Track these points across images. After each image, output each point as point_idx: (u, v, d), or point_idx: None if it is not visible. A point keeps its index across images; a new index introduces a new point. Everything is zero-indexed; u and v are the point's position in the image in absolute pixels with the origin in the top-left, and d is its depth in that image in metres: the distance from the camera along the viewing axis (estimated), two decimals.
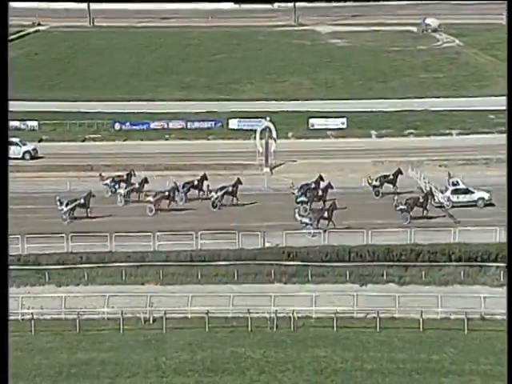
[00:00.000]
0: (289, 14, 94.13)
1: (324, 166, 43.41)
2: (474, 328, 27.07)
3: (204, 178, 37.91)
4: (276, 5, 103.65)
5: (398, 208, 35.09)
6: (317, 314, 27.75)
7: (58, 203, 35.11)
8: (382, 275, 30.68)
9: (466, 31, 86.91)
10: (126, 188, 37.42)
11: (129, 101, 57.36)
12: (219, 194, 36.66)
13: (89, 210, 35.48)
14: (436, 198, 36.58)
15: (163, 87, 63.22)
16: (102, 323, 27.39)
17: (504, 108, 54.95)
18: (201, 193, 37.70)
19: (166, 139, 51.00)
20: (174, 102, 57.30)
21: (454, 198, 36.99)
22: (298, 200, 36.20)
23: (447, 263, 30.95)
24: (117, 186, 37.62)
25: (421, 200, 35.53)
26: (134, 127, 52.67)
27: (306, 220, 33.55)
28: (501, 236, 31.80)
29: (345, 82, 65.96)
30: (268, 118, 45.63)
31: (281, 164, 44.72)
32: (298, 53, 76.58)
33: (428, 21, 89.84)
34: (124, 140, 50.67)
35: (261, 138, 44.77)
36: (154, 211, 35.74)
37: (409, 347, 25.90)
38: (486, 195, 37.36)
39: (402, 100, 58.93)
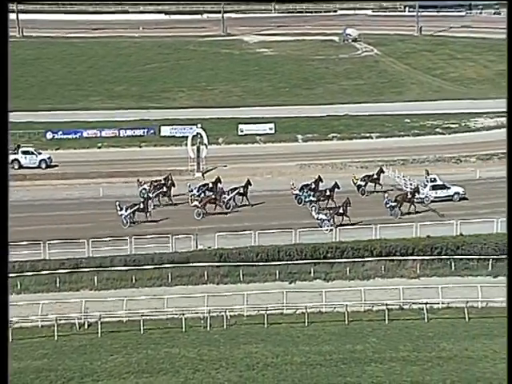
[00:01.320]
0: (218, 24, 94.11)
1: (254, 170, 43.68)
2: (393, 318, 27.75)
3: (218, 180, 38.07)
4: (205, 15, 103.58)
5: (388, 205, 35.67)
6: (248, 311, 27.80)
7: (118, 208, 34.81)
8: (310, 272, 31.06)
9: (383, 41, 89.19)
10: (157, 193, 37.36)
11: (60, 110, 55.95)
12: (232, 195, 36.78)
13: (148, 213, 35.12)
14: (421, 193, 37.22)
15: (95, 96, 62.03)
16: (35, 331, 26.53)
17: (418, 112, 57.34)
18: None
19: (99, 147, 50.01)
20: (106, 111, 56.31)
21: (433, 194, 37.87)
22: (307, 200, 36.61)
23: (369, 258, 31.62)
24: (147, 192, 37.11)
25: (409, 196, 36.31)
26: (67, 136, 51.38)
27: (323, 216, 34.21)
28: (420, 230, 32.72)
29: (272, 89, 66.50)
30: (199, 125, 45.48)
31: (212, 169, 44.63)
32: (227, 62, 76.72)
33: (348, 31, 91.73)
34: (56, 149, 49.38)
35: (192, 145, 44.59)
36: (201, 215, 35.89)
37: (335, 339, 26.28)
38: (460, 190, 38.37)
39: (326, 106, 59.90)
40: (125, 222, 34.99)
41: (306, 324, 27.40)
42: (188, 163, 44.16)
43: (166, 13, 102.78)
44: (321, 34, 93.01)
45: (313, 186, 37.90)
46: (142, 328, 26.60)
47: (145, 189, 37.72)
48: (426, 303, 28.30)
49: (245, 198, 37.52)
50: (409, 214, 35.97)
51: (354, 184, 38.88)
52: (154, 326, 26.86)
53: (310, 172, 42.33)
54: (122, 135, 51.47)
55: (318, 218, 34.38)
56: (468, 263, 31.45)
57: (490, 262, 31.20)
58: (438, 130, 53.30)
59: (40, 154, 45.94)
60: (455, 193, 38.30)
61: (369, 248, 31.94)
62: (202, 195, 37.29)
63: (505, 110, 56.20)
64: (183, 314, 26.87)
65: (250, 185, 37.89)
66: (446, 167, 42.31)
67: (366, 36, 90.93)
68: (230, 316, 27.31)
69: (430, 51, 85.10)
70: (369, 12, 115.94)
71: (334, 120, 55.98)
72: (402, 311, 28.27)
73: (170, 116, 55.06)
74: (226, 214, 36.65)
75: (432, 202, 37.67)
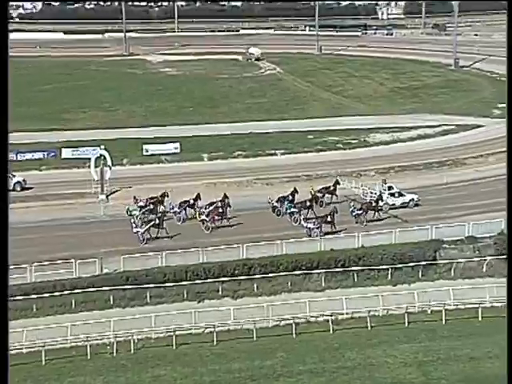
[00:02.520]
0: (120, 43, 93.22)
1: (160, 191, 43.31)
2: (301, 331, 28.34)
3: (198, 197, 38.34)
4: (107, 35, 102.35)
5: (354, 213, 36.90)
6: (156, 334, 27.52)
7: (134, 225, 34.74)
8: (218, 291, 31.17)
9: (285, 60, 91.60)
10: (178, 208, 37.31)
11: None
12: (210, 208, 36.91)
13: (163, 230, 34.89)
14: (385, 201, 38.80)
15: None
16: None
17: (320, 129, 59.19)
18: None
19: None
20: None
21: (391, 201, 39.52)
22: (289, 211, 37.41)
23: (276, 274, 32.13)
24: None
25: (373, 204, 37.83)
26: None
27: (311, 225, 35.29)
28: (322, 244, 33.65)
29: (177, 109, 66.48)
30: (102, 146, 44.64)
31: (117, 191, 43.92)
32: (130, 82, 76.01)
33: (252, 50, 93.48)
34: None
35: (96, 166, 43.69)
36: (210, 228, 36.20)
37: (244, 356, 26.49)
38: (415, 197, 40.22)
39: (230, 124, 60.60)
40: (141, 238, 34.63)
41: (215, 343, 27.46)
42: (91, 185, 43.27)
43: (65, 32, 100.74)
44: (224, 53, 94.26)
45: (290, 197, 38.71)
46: (43, 359, 25.67)
47: (128, 209, 37.55)
48: (331, 315, 29.12)
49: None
50: (373, 221, 37.22)
51: (312, 195, 39.48)
52: (57, 355, 26.01)
53: (217, 190, 42.60)
54: (19, 159, 49.53)
55: (306, 227, 35.41)
56: (369, 274, 32.64)
57: (390, 271, 32.56)
58: (339, 145, 55.17)
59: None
60: (410, 199, 40.17)
61: (275, 263, 32.48)
62: (208, 210, 37.21)
63: (399, 125, 60.02)
64: (88, 341, 26.21)
65: (228, 198, 38.11)
66: (349, 181, 43.80)
67: (268, 55, 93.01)
68: (138, 339, 26.93)
69: (330, 69, 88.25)
70: (271, 31, 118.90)
71: (238, 138, 56.66)
72: (309, 324, 28.94)
73: (71, 138, 53.77)
74: (231, 226, 36.67)
75: (390, 208, 39.09)
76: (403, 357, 26.32)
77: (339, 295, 30.48)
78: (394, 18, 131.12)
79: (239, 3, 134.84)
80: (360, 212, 37.36)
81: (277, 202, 38.76)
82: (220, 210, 37.05)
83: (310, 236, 35.22)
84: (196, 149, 53.72)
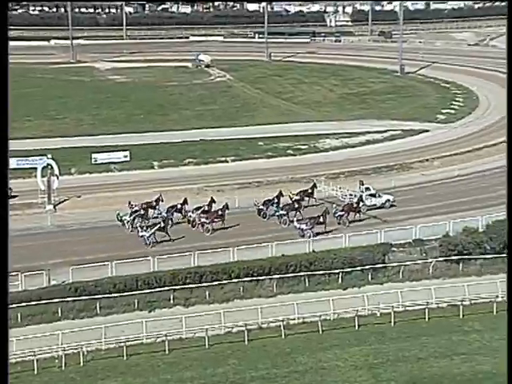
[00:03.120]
0: (67, 51, 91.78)
1: (109, 200, 42.86)
2: (253, 338, 28.44)
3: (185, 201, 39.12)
4: (53, 42, 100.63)
5: (336, 214, 37.83)
6: (106, 345, 27.15)
7: (139, 229, 35.07)
8: (169, 299, 30.98)
9: (235, 67, 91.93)
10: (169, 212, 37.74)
11: None
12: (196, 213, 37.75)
13: (169, 233, 35.55)
14: (366, 202, 40.05)
15: None
16: None
17: (271, 135, 59.64)
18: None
19: None
20: None
21: (368, 202, 40.47)
22: (277, 214, 38.56)
23: (228, 281, 32.16)
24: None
25: (354, 205, 38.77)
26: None
27: (304, 226, 36.16)
28: (274, 250, 33.87)
29: (126, 117, 65.88)
30: (49, 155, 43.85)
31: (65, 200, 43.19)
32: (78, 89, 74.93)
33: (201, 57, 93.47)
34: None
35: (42, 176, 42.86)
36: (210, 231, 37.10)
37: (196, 365, 26.39)
38: (391, 197, 41.47)
39: (181, 131, 60.41)
40: (148, 242, 35.13)
41: (167, 352, 27.28)
42: (38, 195, 42.40)
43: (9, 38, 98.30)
44: (174, 61, 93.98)
45: (275, 200, 39.64)
46: None
47: (119, 214, 37.81)
48: (283, 320, 29.34)
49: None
50: (354, 221, 38.17)
51: (291, 199, 40.07)
52: None
53: (168, 198, 42.39)
54: None
55: (298, 228, 36.27)
56: (320, 278, 33.02)
57: (340, 275, 33.02)
58: (289, 151, 55.67)
59: None
60: (387, 200, 41.26)
61: (227, 271, 32.52)
62: (195, 214, 37.95)
63: (348, 131, 61.01)
64: (35, 356, 25.62)
65: (214, 202, 39.05)
66: (300, 187, 44.25)
67: (218, 62, 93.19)
68: (87, 351, 26.50)
69: (279, 76, 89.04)
70: (221, 38, 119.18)
71: (189, 145, 56.54)
72: (261, 330, 29.07)
73: (16, 147, 52.52)
74: (227, 228, 37.53)
75: (367, 210, 39.97)
76: (354, 360, 26.73)
77: (291, 300, 30.71)
78: (341, 26, 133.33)
79: (188, 10, 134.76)
80: (342, 213, 38.16)
81: (263, 205, 39.68)
82: (220, 213, 37.77)
83: (302, 237, 36.08)
84: (146, 157, 53.32)
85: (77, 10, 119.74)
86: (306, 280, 32.70)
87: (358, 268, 33.30)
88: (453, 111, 69.97)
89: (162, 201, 39.70)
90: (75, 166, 50.33)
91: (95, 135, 57.99)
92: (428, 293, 31.22)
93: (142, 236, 35.32)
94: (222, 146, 56.67)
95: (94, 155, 51.74)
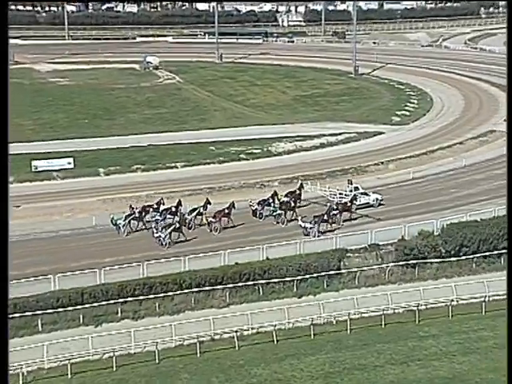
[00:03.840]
0: None
1: (51, 209, 42.11)
2: (205, 350, 28.35)
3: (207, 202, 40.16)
4: None
5: (331, 213, 38.47)
6: (49, 363, 26.63)
7: (154, 230, 35.98)
8: (117, 313, 30.62)
9: (184, 69, 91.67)
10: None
11: None
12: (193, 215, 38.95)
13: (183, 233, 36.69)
14: (359, 201, 41.46)
15: None
16: None
17: (223, 139, 59.72)
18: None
19: None
20: None
21: (357, 201, 41.52)
22: (275, 214, 39.77)
23: (179, 292, 32.00)
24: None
25: (348, 204, 39.98)
26: None
27: (309, 225, 37.17)
28: (227, 258, 33.91)
29: (69, 121, 64.84)
30: None
31: None
32: (16, 93, 72.95)
33: (149, 59, 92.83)
34: None
35: None
36: (218, 230, 38.26)
37: (146, 381, 26.16)
38: (379, 196, 42.84)
39: (128, 136, 59.84)
40: (164, 243, 35.94)
41: (115, 368, 26.92)
42: None
43: None
44: (120, 62, 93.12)
45: (270, 200, 40.91)
46: None
47: (113, 218, 38.28)
48: (237, 331, 29.36)
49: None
50: (347, 220, 39.34)
51: (279, 200, 41.21)
52: None
53: (115, 207, 41.92)
54: None
55: (303, 227, 37.24)
56: (274, 287, 33.19)
57: (295, 283, 33.26)
58: (242, 156, 55.77)
59: None
60: (375, 199, 42.52)
61: (178, 281, 32.35)
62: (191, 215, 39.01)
63: (302, 134, 61.59)
64: None
65: (210, 204, 40.08)
66: (252, 193, 44.41)
67: (167, 63, 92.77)
68: (28, 372, 25.92)
69: (231, 78, 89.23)
70: (169, 39, 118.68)
71: (137, 151, 56.04)
72: (214, 342, 29.03)
73: None
74: (235, 226, 38.91)
75: (356, 208, 41.03)
76: (310, 369, 26.96)
77: (244, 310, 30.77)
78: (294, 26, 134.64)
79: (135, 9, 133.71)
80: (336, 212, 39.06)
81: (258, 204, 40.62)
82: (226, 211, 38.85)
83: (307, 235, 37.06)
84: (91, 163, 52.59)
85: (13, 7, 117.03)
86: (260, 289, 32.81)
87: (314, 275, 33.59)
88: (407, 113, 71.40)
89: (163, 204, 40.41)
90: (14, 174, 49.17)
91: (36, 141, 56.90)
92: (384, 298, 31.75)
93: (157, 237, 36.13)
94: (172, 151, 56.38)
95: (34, 162, 50.69)
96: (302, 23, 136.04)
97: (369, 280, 34.30)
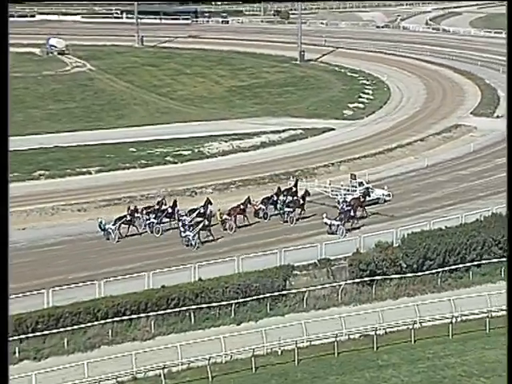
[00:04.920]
0: None
1: None
2: None
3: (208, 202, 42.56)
4: None
5: (344, 210, 40.80)
6: None
7: (182, 229, 38.81)
8: (14, 353, 29.99)
9: (97, 54, 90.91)
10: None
11: None
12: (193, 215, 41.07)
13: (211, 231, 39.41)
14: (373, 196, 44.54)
15: None
16: None
17: (145, 139, 59.47)
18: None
19: None
20: None
21: (370, 196, 44.21)
22: (285, 210, 42.56)
23: (92, 323, 31.63)
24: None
25: (361, 200, 42.52)
26: None
27: (335, 222, 39.85)
28: (151, 280, 33.73)
29: None
30: None
31: None
32: None
33: (53, 42, 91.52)
34: None
35: None
36: (233, 228, 41.01)
37: None
38: (385, 192, 45.82)
39: (28, 136, 58.86)
40: (193, 243, 38.69)
41: None
42: None
43: None
44: (16, 45, 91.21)
45: (275, 198, 43.59)
46: None
47: (101, 222, 39.90)
48: (164, 367, 29.24)
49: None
50: (359, 218, 41.70)
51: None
52: None
53: (13, 221, 41.08)
54: None
55: (330, 224, 39.97)
56: (209, 312, 33.25)
57: (233, 307, 33.40)
58: (168, 158, 55.71)
59: None
60: (382, 194, 45.55)
61: (91, 310, 31.97)
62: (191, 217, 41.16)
63: (239, 132, 62.05)
64: None
65: (211, 204, 42.33)
66: (181, 202, 44.39)
67: (75, 48, 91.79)
68: None
69: (154, 66, 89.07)
70: (78, 18, 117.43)
71: (40, 154, 55.18)
72: (135, 382, 28.81)
73: None
74: (251, 225, 41.82)
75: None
76: None
77: (173, 342, 30.67)
78: (229, 3, 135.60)
79: None
80: (349, 209, 41.24)
81: (261, 203, 43.20)
82: (242, 208, 41.87)
83: (332, 234, 39.83)
84: None
85: None
86: (192, 316, 32.80)
87: (255, 297, 33.81)
88: (361, 105, 72.90)
89: (165, 204, 42.49)
90: None
91: None
92: (337, 322, 32.22)
93: (185, 236, 38.82)
94: (84, 153, 55.80)
95: None
96: (239, 1, 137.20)
97: (319, 302, 34.68)
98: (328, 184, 46.92)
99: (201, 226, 39.20)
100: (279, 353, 31.12)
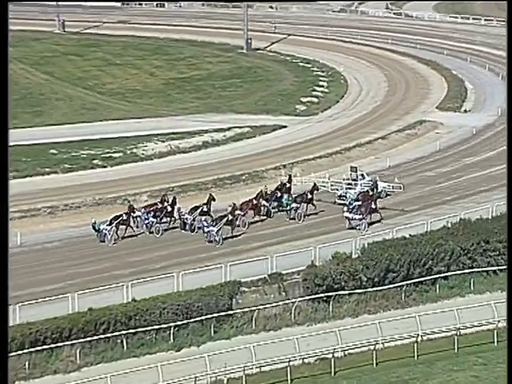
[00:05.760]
0: None
1: None
2: None
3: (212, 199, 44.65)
4: None
5: (352, 205, 43.06)
6: None
7: (205, 224, 41.08)
8: None
9: (11, 41, 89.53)
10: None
11: None
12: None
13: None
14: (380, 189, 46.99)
15: None
16: None
17: (68, 139, 58.92)
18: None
19: None
20: None
21: (378, 189, 46.59)
22: (292, 206, 44.59)
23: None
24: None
25: (370, 194, 44.70)
26: None
27: (358, 216, 42.21)
28: (76, 302, 33.37)
29: None
30: None
31: None
32: None
33: None
34: None
35: None
36: (246, 225, 43.45)
37: None
38: (386, 184, 47.91)
39: None
40: (217, 239, 40.93)
41: None
42: None
43: None
44: None
45: (278, 194, 45.76)
46: None
47: (95, 223, 41.81)
48: None
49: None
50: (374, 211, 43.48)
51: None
52: None
53: None
54: None
55: (351, 218, 42.33)
56: (144, 337, 33.11)
57: (172, 330, 33.31)
58: (96, 161, 55.34)
59: None
60: (383, 187, 47.54)
61: None
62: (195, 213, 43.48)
63: (179, 130, 62.01)
64: None
65: (214, 200, 44.32)
66: (112, 210, 44.17)
67: None
68: None
69: (78, 55, 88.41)
70: None
71: None
72: None
73: None
74: (262, 221, 44.30)
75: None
76: None
77: (102, 373, 30.42)
78: None
79: None
80: (359, 203, 43.21)
81: (264, 199, 45.06)
82: (254, 202, 44.05)
83: (351, 229, 42.05)
84: None
85: None
86: (125, 342, 32.60)
87: (197, 319, 33.79)
88: (316, 99, 73.56)
89: (167, 201, 44.23)
90: None
91: None
92: (290, 345, 32.37)
93: (208, 232, 40.99)
94: None
95: None
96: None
97: (269, 322, 34.82)
98: (328, 179, 48.73)
99: (224, 220, 41.40)
100: (225, 381, 31.15)
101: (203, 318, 33.95)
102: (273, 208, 45.44)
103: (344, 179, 48.40)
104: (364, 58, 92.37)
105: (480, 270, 38.58)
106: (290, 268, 37.21)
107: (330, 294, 35.93)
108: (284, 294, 36.37)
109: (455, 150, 58.64)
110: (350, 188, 46.94)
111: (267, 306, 35.28)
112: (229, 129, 62.76)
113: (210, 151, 58.47)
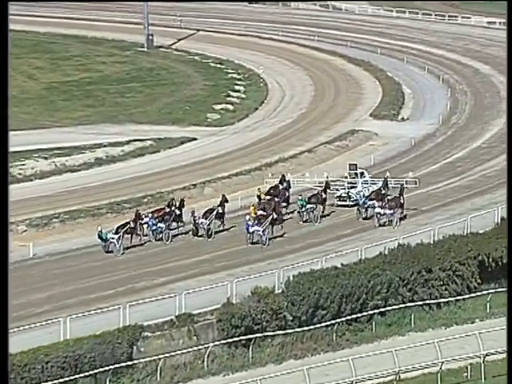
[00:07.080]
0: None
1: None
2: None
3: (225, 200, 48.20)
4: None
5: (366, 205, 47.95)
6: None
7: (249, 223, 45.03)
8: None
9: None
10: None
11: None
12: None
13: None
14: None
15: None
16: None
17: None
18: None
19: None
20: None
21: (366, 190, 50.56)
22: (307, 207, 48.05)
23: None
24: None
25: (382, 192, 48.90)
26: None
27: (388, 211, 46.92)
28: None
29: None
30: None
31: None
32: None
33: None
34: None
35: None
36: None
37: None
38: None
39: None
40: (264, 239, 45.11)
41: None
42: None
43: None
44: None
45: (287, 194, 49.88)
46: None
47: (101, 231, 44.43)
48: None
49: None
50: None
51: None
52: None
53: None
54: None
55: (382, 214, 46.93)
56: None
57: None
58: None
59: None
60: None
61: None
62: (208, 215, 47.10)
63: (65, 145, 61.56)
64: None
65: (227, 202, 48.05)
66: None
67: None
68: None
69: None
70: None
71: None
72: None
73: None
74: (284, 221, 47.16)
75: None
76: None
77: None
78: None
79: None
80: (372, 202, 47.67)
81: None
82: (273, 205, 46.93)
83: (381, 225, 46.94)
84: None
85: None
86: None
87: (89, 373, 33.43)
88: (231, 107, 74.06)
89: (174, 205, 47.49)
90: None
91: None
92: None
93: (252, 232, 44.85)
94: None
95: None
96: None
97: (178, 372, 34.76)
98: (326, 177, 50.98)
99: (270, 219, 45.17)
100: None
101: (97, 371, 33.54)
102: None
103: (346, 177, 51.80)
104: (286, 57, 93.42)
105: (421, 303, 39.34)
106: (201, 307, 37.25)
107: (249, 336, 36.09)
108: (195, 338, 36.41)
109: (392, 165, 59.50)
110: (351, 188, 50.76)
111: (175, 353, 35.18)
112: (127, 142, 62.67)
113: (104, 169, 58.26)
